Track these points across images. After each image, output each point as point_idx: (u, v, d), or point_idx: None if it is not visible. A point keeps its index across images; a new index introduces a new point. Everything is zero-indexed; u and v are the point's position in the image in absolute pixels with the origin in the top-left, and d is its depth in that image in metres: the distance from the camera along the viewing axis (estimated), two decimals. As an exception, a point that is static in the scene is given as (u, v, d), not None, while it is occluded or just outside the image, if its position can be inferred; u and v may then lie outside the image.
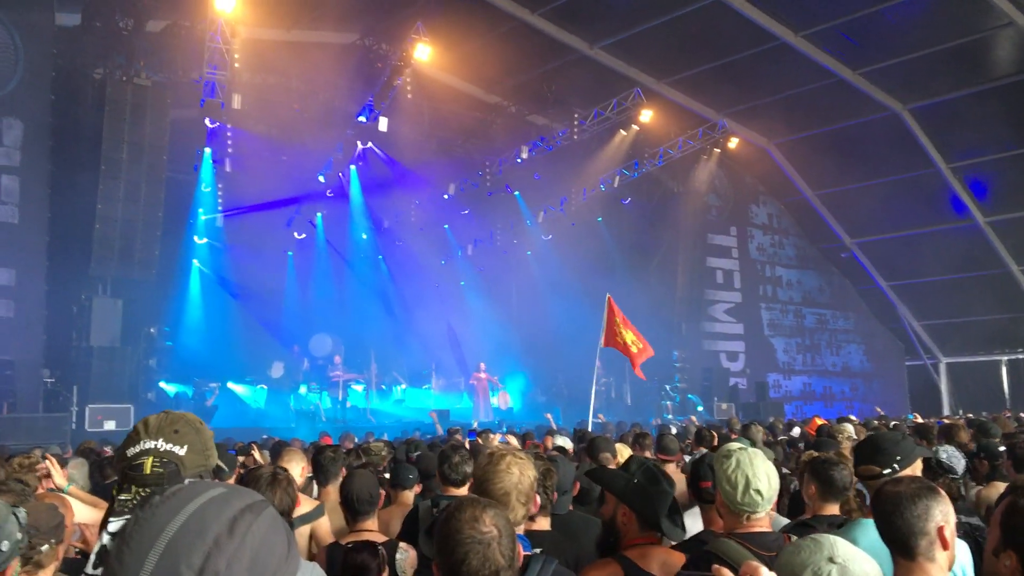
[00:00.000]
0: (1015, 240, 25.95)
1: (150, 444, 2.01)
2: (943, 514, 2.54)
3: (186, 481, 1.83)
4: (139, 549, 1.03)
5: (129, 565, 1.03)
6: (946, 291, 28.27)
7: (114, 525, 1.70)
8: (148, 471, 1.95)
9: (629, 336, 10.08)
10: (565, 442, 7.97)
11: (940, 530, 2.51)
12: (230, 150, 18.58)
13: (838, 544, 1.85)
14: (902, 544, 2.47)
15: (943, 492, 2.62)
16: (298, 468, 5.26)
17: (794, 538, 2.73)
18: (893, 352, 31.68)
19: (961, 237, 26.34)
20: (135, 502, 1.72)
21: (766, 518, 3.01)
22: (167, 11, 17.02)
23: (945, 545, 2.51)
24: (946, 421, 11.07)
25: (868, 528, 3.07)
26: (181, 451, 1.99)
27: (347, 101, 19.66)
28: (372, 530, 4.20)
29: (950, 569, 2.56)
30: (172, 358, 18.45)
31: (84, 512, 3.81)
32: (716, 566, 1.57)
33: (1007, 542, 2.05)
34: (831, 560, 1.80)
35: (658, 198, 25.57)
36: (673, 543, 3.32)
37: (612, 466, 5.37)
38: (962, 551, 3.39)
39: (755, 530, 2.93)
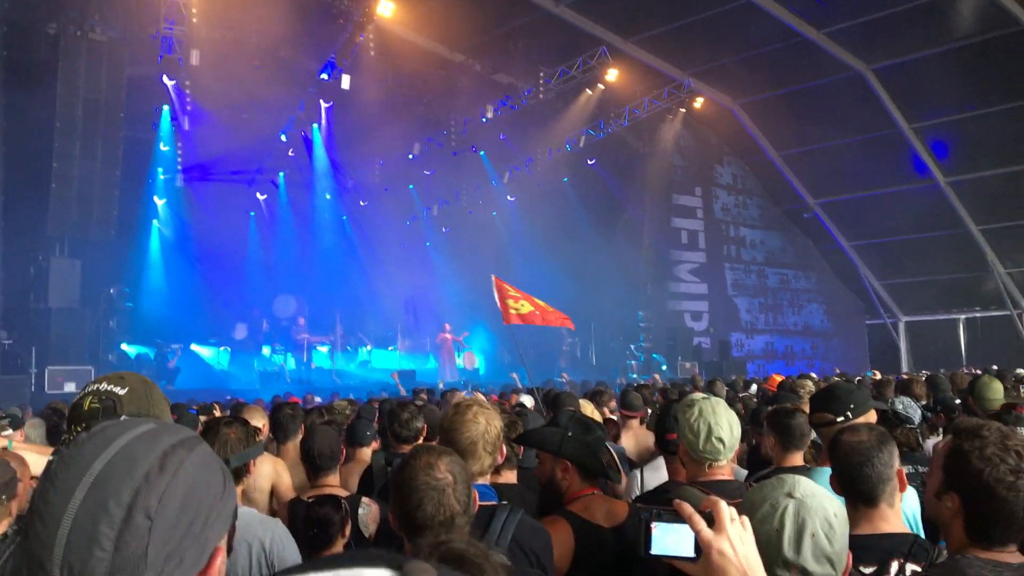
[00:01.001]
0: (974, 200, 26.32)
1: (93, 387, 2.00)
2: (898, 458, 2.61)
3: (122, 419, 1.80)
4: (65, 487, 1.00)
5: (55, 504, 0.99)
6: (907, 251, 28.69)
7: None
8: (86, 408, 1.92)
9: (526, 307, 9.90)
10: (528, 400, 7.98)
11: (900, 474, 2.56)
12: (189, 108, 18.17)
13: (800, 482, 1.87)
14: (868, 493, 2.48)
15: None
16: (258, 425, 5.21)
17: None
18: (854, 311, 32.14)
19: (922, 197, 26.65)
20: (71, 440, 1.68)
21: (728, 467, 3.03)
22: (122, -36, 16.54)
23: (903, 487, 2.57)
24: (905, 377, 11.26)
25: (824, 476, 3.10)
26: (121, 391, 1.96)
27: (309, 58, 19.28)
28: (334, 485, 4.18)
29: None
30: (133, 319, 18.21)
31: (40, 466, 3.75)
32: (677, 500, 1.57)
33: (949, 484, 2.08)
34: (789, 495, 1.82)
35: (624, 158, 25.53)
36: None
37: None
38: (911, 498, 3.45)
39: (717, 478, 2.96)
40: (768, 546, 1.73)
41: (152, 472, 1.01)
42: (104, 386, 1.98)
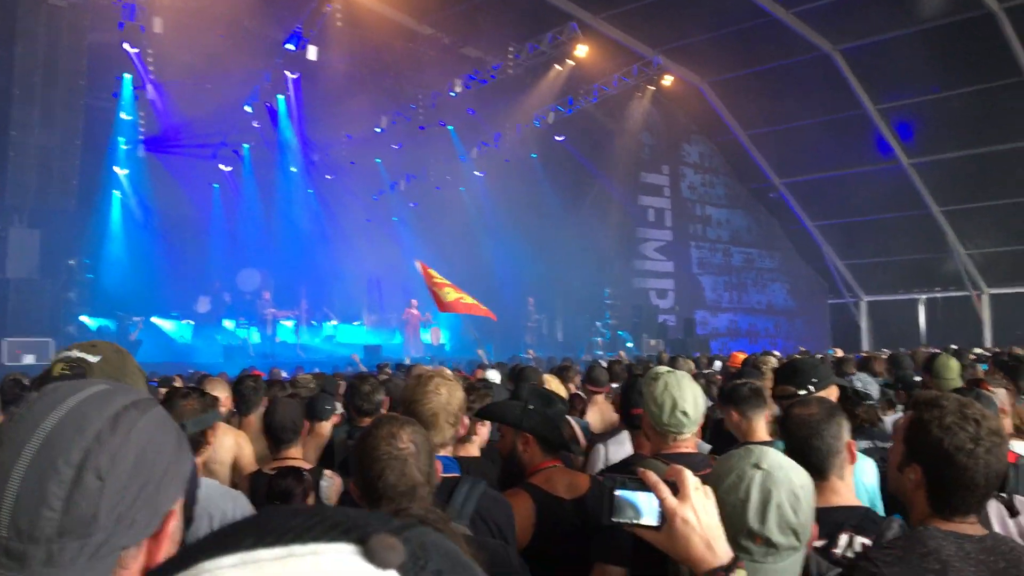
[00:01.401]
0: (937, 182, 26.66)
1: (64, 354, 1.97)
2: (848, 431, 2.64)
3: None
4: (13, 446, 0.97)
5: (3, 463, 0.96)
6: (869, 231, 29.04)
7: None
8: (55, 374, 1.89)
9: (452, 295, 9.88)
10: (493, 375, 7.98)
11: (849, 446, 2.59)
12: (151, 76, 17.85)
13: (767, 452, 1.88)
14: (818, 465, 2.49)
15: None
16: (221, 397, 5.15)
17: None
18: (816, 291, 32.52)
19: (886, 178, 26.95)
20: None
21: (692, 440, 3.04)
22: (82, -73, 16.14)
23: (853, 459, 2.61)
24: (864, 355, 11.43)
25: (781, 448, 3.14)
26: (93, 359, 1.93)
27: (274, 28, 18.98)
28: (296, 458, 4.15)
29: None
30: (94, 291, 17.91)
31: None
32: (642, 469, 1.56)
33: (911, 456, 2.11)
34: (756, 466, 1.82)
35: (592, 135, 25.52)
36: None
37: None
38: (870, 473, 3.50)
39: (681, 451, 2.97)
40: (733, 516, 1.73)
41: (104, 432, 0.99)
42: (75, 353, 1.95)
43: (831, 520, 2.40)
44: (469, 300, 10.16)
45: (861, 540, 2.37)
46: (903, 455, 2.14)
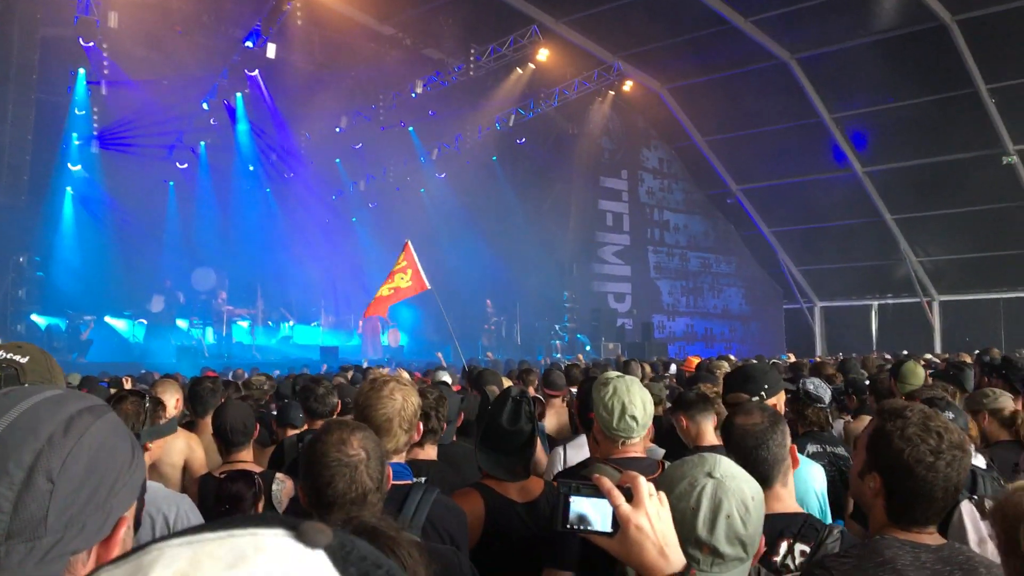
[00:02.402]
0: (889, 190, 27.13)
1: None
2: (789, 436, 2.66)
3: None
4: None
5: None
6: (824, 237, 29.46)
7: None
8: None
9: (396, 282, 9.84)
10: (446, 377, 7.99)
11: (792, 451, 2.61)
12: (106, 72, 17.52)
13: (721, 461, 1.87)
14: (764, 475, 2.49)
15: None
16: (172, 400, 5.07)
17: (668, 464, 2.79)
18: (772, 296, 32.91)
19: (840, 186, 27.38)
20: None
21: (640, 444, 3.07)
22: (35, -82, 15.84)
23: (796, 463, 2.63)
24: (818, 360, 11.60)
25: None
26: (22, 360, 1.92)
27: (233, 25, 18.77)
28: (247, 461, 4.10)
29: None
30: (44, 289, 17.57)
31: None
32: (596, 475, 1.56)
33: (872, 464, 2.11)
34: (709, 475, 1.82)
35: (552, 139, 25.61)
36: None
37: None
38: (819, 478, 3.55)
39: (630, 455, 2.99)
40: (683, 524, 1.73)
41: (56, 435, 0.98)
42: (3, 354, 1.95)
43: (770, 527, 2.41)
44: (402, 282, 10.02)
45: (801, 547, 2.39)
46: (864, 463, 2.14)
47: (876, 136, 25.99)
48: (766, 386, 3.37)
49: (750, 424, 2.56)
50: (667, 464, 2.93)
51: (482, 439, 3.14)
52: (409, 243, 9.87)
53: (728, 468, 1.87)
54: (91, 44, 16.56)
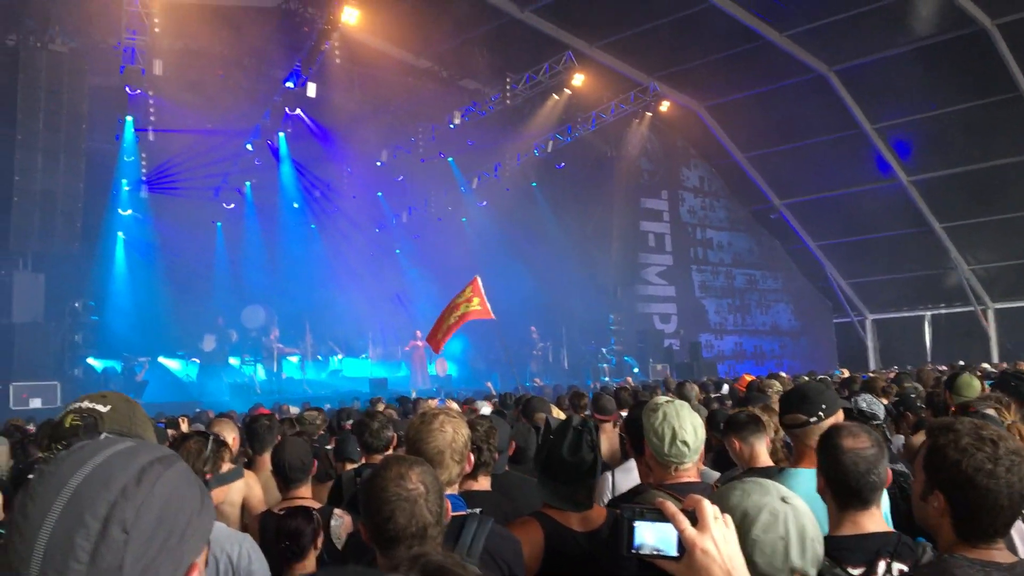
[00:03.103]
0: (937, 198, 26.71)
1: (75, 405, 2.01)
2: None
3: (103, 436, 1.81)
4: (43, 500, 1.01)
5: (33, 517, 1.00)
6: (872, 249, 29.05)
7: None
8: (67, 425, 1.93)
9: (462, 309, 10.14)
10: (486, 409, 7.99)
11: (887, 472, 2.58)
12: (153, 118, 18.00)
13: (779, 486, 1.89)
14: (868, 497, 2.46)
15: None
16: (229, 438, 5.16)
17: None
18: (821, 310, 32.46)
19: (886, 196, 27.01)
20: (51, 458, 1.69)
21: (694, 469, 3.06)
22: (82, -26, 16.37)
23: (889, 482, 2.58)
24: (871, 375, 11.40)
25: (799, 477, 3.13)
26: (103, 409, 1.97)
27: (274, 66, 19.20)
28: (305, 497, 4.16)
29: None
30: (99, 333, 17.96)
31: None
32: (660, 499, 1.57)
33: (932, 483, 2.08)
34: (784, 500, 1.83)
35: (591, 162, 25.65)
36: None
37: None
38: (883, 498, 3.49)
39: (684, 480, 2.98)
40: (775, 555, 1.74)
41: (129, 486, 1.03)
42: (86, 404, 2.00)
43: (867, 547, 2.38)
44: (467, 309, 10.36)
45: (899, 566, 2.34)
46: (924, 483, 2.10)
47: (920, 144, 25.63)
48: (823, 406, 3.33)
49: (861, 448, 2.50)
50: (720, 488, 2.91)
51: (543, 469, 3.14)
52: (478, 278, 10.19)
53: (788, 491, 1.88)
54: (137, 92, 17.02)
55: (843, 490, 2.48)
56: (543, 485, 3.11)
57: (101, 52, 16.36)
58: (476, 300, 10.22)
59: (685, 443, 2.94)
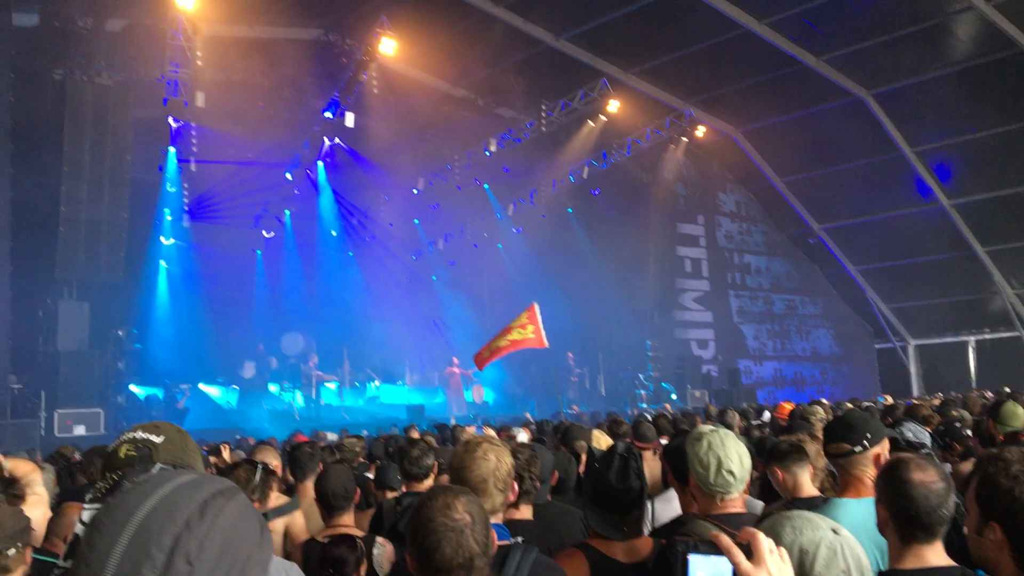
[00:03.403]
0: (979, 222, 26.33)
1: (129, 435, 2.04)
2: None
3: (157, 466, 1.83)
4: (110, 532, 1.03)
5: (100, 548, 1.02)
6: (914, 274, 28.66)
7: (87, 514, 1.69)
8: (121, 455, 1.96)
9: (511, 335, 10.15)
10: (523, 436, 7.97)
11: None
12: (195, 149, 18.36)
13: (825, 518, 1.87)
14: (935, 530, 2.40)
15: None
16: (271, 465, 5.21)
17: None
18: (862, 336, 32.03)
19: (927, 220, 26.69)
20: (107, 487, 1.73)
21: (740, 499, 3.02)
22: (127, 9, 16.79)
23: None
24: (914, 402, 11.21)
25: (846, 507, 3.09)
26: (157, 439, 2.00)
27: (312, 97, 19.51)
28: (348, 525, 4.17)
29: None
30: (142, 360, 18.21)
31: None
32: (715, 532, 1.56)
33: (987, 515, 2.04)
34: (836, 532, 1.81)
35: (627, 188, 25.66)
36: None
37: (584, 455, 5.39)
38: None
39: (730, 511, 2.95)
40: None
41: (193, 519, 1.04)
42: (140, 434, 2.03)
43: None
44: (520, 336, 10.42)
45: None
46: (978, 516, 2.06)
47: (961, 167, 25.33)
48: (868, 434, 3.28)
49: (931, 481, 2.43)
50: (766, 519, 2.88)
51: (591, 498, 3.13)
52: (536, 306, 10.26)
53: (833, 522, 1.85)
54: (180, 123, 17.38)
55: (911, 524, 2.41)
56: (591, 512, 3.10)
57: (145, 85, 16.72)
58: (531, 328, 10.27)
59: (731, 472, 2.91)
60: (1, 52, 15.51)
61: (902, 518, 2.43)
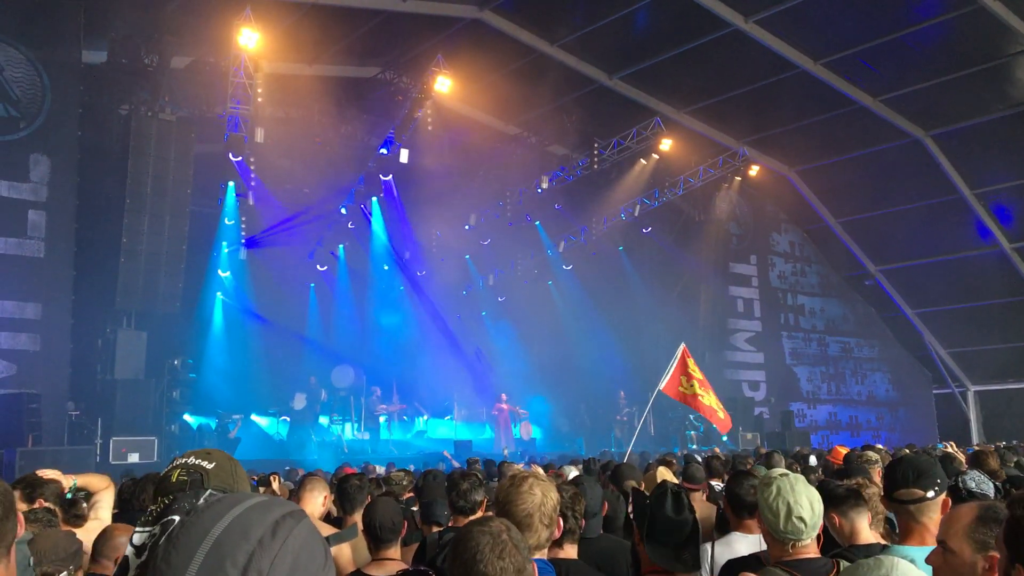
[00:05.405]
0: (1042, 266, 25.71)
1: (182, 460, 2.09)
2: None
3: (208, 491, 1.86)
4: (186, 549, 1.07)
5: (176, 565, 1.06)
6: (973, 318, 27.95)
7: (138, 537, 1.73)
8: (174, 480, 2.00)
9: (697, 390, 10.02)
10: (572, 472, 7.91)
11: None
12: (253, 183, 18.76)
13: (896, 561, 1.84)
14: None
15: None
16: (320, 497, 5.23)
17: (843, 563, 2.66)
18: (920, 380, 31.27)
19: (987, 263, 26.12)
20: (159, 510, 1.76)
21: (813, 544, 2.95)
22: (191, 48, 17.33)
23: None
24: (976, 449, 10.87)
25: (911, 554, 2.99)
26: (208, 466, 2.04)
27: (368, 134, 19.88)
28: (395, 559, 4.15)
29: None
30: (195, 390, 18.49)
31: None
32: None
33: (1014, 557, 1.96)
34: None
35: (679, 227, 25.55)
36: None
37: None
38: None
39: (802, 556, 2.88)
40: None
41: (265, 537, 1.07)
42: (192, 460, 2.07)
43: None
44: (707, 402, 10.37)
45: None
46: (1007, 559, 1.98)
47: (1022, 210, 24.78)
48: (938, 480, 3.18)
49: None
50: (842, 565, 2.81)
51: (648, 534, 3.11)
52: (685, 347, 10.21)
53: (904, 567, 1.80)
54: (239, 159, 17.79)
55: None
56: (651, 546, 3.08)
57: (207, 121, 17.20)
58: (695, 382, 10.19)
59: (801, 519, 2.84)
60: (70, 88, 16.08)
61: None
